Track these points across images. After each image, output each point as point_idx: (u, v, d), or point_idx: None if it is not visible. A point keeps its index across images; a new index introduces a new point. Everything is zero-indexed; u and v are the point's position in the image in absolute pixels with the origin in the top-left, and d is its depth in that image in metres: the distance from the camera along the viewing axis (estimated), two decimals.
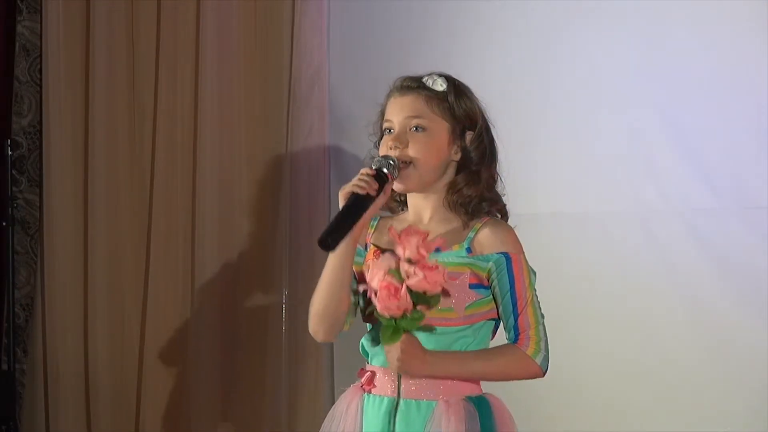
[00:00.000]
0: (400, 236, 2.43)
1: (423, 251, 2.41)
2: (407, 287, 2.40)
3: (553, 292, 3.80)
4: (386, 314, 2.41)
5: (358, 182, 2.49)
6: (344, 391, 2.67)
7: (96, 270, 4.35)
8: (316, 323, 2.61)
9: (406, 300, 2.39)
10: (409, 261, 2.41)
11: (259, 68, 4.30)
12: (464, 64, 3.96)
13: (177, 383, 4.31)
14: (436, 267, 2.40)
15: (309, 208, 4.19)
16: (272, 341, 4.21)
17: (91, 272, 4.36)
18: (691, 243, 3.69)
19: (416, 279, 2.39)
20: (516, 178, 3.86)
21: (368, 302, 2.50)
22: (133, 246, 4.37)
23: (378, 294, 2.41)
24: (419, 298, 2.41)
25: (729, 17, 3.64)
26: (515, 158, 3.87)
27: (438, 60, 3.94)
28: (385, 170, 2.51)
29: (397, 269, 2.42)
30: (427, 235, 2.44)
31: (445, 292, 2.45)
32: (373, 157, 2.64)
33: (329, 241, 2.44)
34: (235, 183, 4.30)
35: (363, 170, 2.51)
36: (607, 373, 3.77)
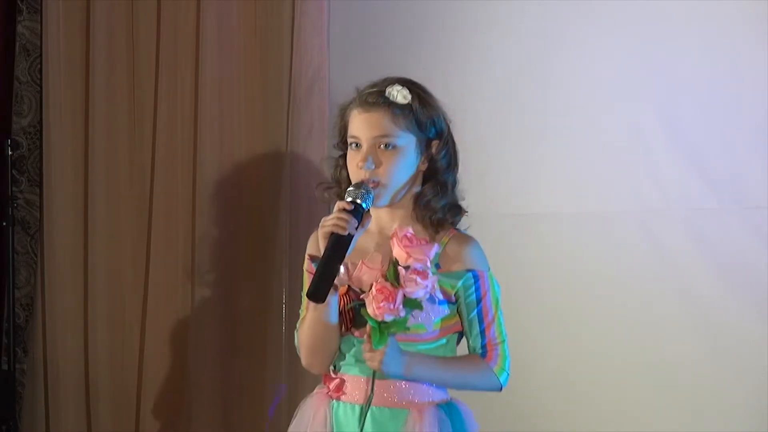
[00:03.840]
0: (402, 242, 2.44)
1: (429, 262, 2.43)
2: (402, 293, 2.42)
3: (552, 292, 3.83)
4: (378, 318, 2.42)
5: (337, 221, 2.48)
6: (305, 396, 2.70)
7: (96, 270, 4.35)
8: (309, 358, 2.64)
9: (401, 305, 2.41)
10: (406, 267, 2.43)
11: (259, 68, 4.29)
12: (464, 64, 3.96)
13: (177, 383, 4.31)
14: (428, 274, 2.43)
15: (309, 208, 4.19)
16: (272, 341, 4.21)
17: (91, 272, 4.35)
18: (691, 243, 3.69)
19: (416, 288, 2.41)
20: (516, 178, 3.89)
21: (350, 298, 2.52)
22: (133, 246, 4.37)
23: (374, 297, 2.42)
24: (408, 302, 2.43)
25: (729, 17, 3.64)
26: (515, 158, 3.90)
27: (438, 60, 3.96)
28: (358, 201, 2.50)
29: (393, 273, 2.43)
30: (428, 242, 2.46)
31: (432, 298, 2.49)
32: (335, 169, 2.66)
33: (318, 295, 2.45)
34: (235, 183, 4.29)
35: (339, 204, 2.50)
36: (606, 373, 3.77)
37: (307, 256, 2.66)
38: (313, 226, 4.13)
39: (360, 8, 4.20)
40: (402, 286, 2.42)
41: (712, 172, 3.67)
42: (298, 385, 4.17)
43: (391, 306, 2.40)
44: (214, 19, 4.27)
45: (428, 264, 2.44)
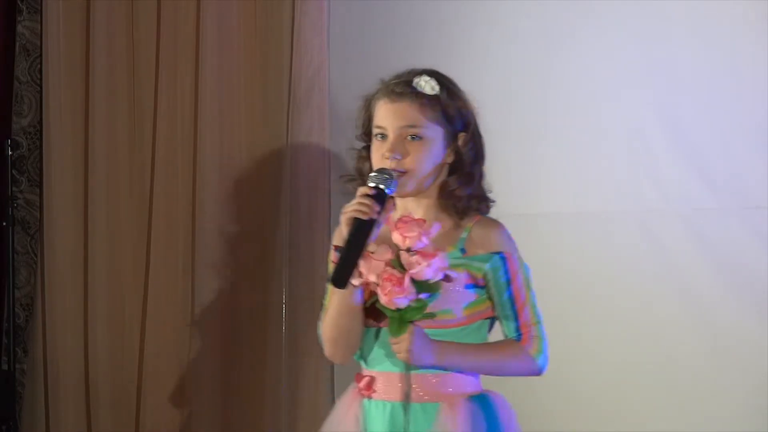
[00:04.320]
0: (397, 225, 2.42)
1: (425, 239, 2.41)
2: (410, 277, 2.39)
3: (552, 292, 3.82)
4: (391, 306, 2.40)
5: (359, 207, 2.45)
6: (339, 396, 2.67)
7: (96, 270, 4.35)
8: (331, 348, 2.61)
9: (411, 290, 2.39)
10: (409, 250, 2.41)
11: (259, 68, 4.30)
12: (464, 64, 3.95)
13: (177, 383, 4.31)
14: (437, 253, 2.40)
15: (309, 208, 4.19)
16: (272, 341, 4.21)
17: (91, 272, 4.35)
18: (691, 243, 3.69)
19: (420, 268, 2.39)
20: (516, 178, 3.89)
21: (367, 297, 2.50)
22: (133, 246, 4.37)
23: (381, 286, 2.40)
24: (422, 286, 2.41)
25: (729, 17, 3.65)
26: (515, 158, 3.90)
27: (438, 60, 3.94)
28: (382, 186, 2.47)
29: (396, 259, 2.42)
30: (425, 221, 2.44)
31: (448, 278, 2.44)
32: (357, 160, 2.62)
33: (339, 280, 2.42)
34: (235, 183, 4.29)
35: (362, 190, 2.47)
36: (606, 373, 3.78)
37: (332, 247, 2.62)
38: (314, 226, 4.19)
39: (360, 8, 4.20)
40: (408, 270, 2.40)
41: (712, 172, 3.68)
42: (298, 384, 4.17)
43: (397, 289, 2.38)
44: (214, 19, 4.27)
45: (425, 241, 2.40)
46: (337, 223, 2.51)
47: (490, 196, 2.64)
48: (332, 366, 4.15)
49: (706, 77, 3.68)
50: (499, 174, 3.89)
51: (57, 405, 4.34)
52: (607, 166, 3.80)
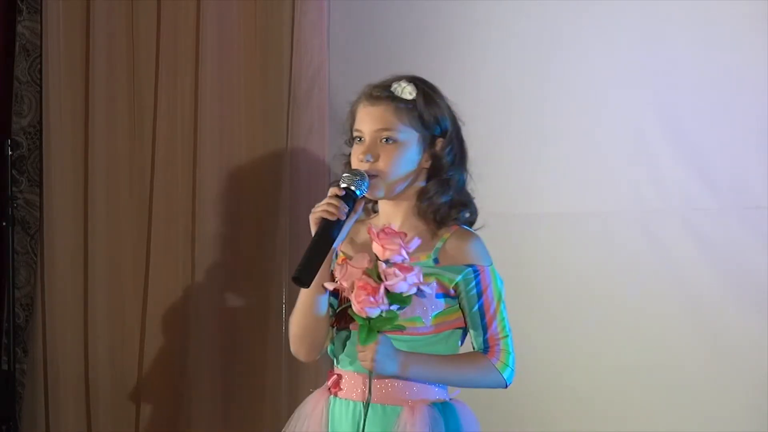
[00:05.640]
0: (378, 236, 2.44)
1: (405, 253, 2.43)
2: (385, 288, 2.41)
3: (552, 292, 3.84)
4: (363, 314, 2.42)
5: (327, 207, 2.48)
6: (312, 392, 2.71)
7: (96, 270, 4.35)
8: (296, 345, 2.68)
9: (384, 300, 2.41)
10: (387, 262, 2.42)
11: (259, 68, 4.30)
12: (464, 64, 3.96)
13: (177, 383, 4.31)
14: (413, 268, 2.42)
15: (309, 208, 4.17)
16: (272, 341, 4.21)
17: (91, 272, 4.36)
18: (691, 243, 3.69)
19: (396, 280, 2.41)
20: (516, 178, 3.89)
21: (341, 301, 2.52)
22: (133, 246, 4.37)
23: (355, 294, 2.42)
24: (394, 298, 2.43)
25: (729, 17, 3.65)
26: (515, 159, 3.90)
27: (438, 60, 3.96)
28: (352, 188, 2.50)
29: (374, 269, 2.43)
30: (406, 235, 2.46)
31: (421, 292, 2.47)
32: (344, 165, 2.64)
33: (303, 279, 2.45)
34: (235, 183, 4.30)
35: (332, 190, 2.51)
36: (606, 373, 3.78)
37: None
38: None
39: (360, 8, 4.20)
40: (383, 281, 2.42)
41: (712, 172, 3.68)
42: (298, 384, 4.17)
43: (372, 299, 2.40)
44: (214, 19, 4.27)
45: (405, 255, 2.43)
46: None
47: (475, 202, 2.65)
48: (332, 366, 4.14)
49: (706, 77, 3.68)
50: (499, 174, 3.90)
51: (57, 405, 4.34)
52: (607, 166, 3.80)
